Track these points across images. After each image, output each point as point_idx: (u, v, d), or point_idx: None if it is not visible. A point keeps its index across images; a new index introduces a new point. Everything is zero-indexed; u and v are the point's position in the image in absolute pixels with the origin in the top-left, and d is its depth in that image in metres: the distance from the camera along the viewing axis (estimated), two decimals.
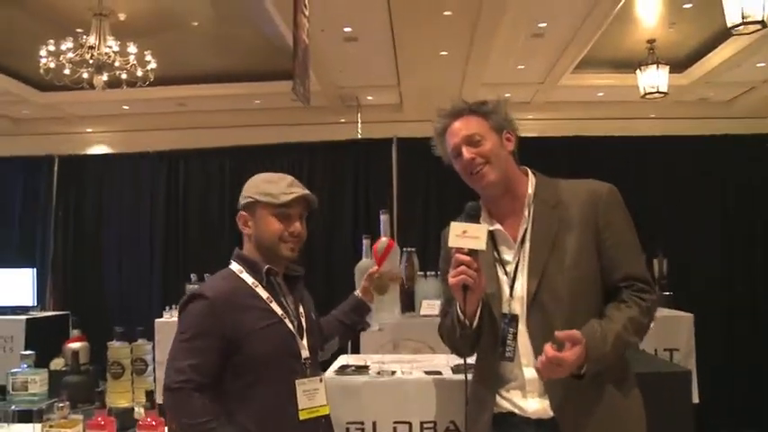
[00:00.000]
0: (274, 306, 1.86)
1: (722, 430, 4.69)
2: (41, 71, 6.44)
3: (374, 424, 2.19)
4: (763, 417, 2.95)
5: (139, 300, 5.70)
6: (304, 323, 1.93)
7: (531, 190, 1.84)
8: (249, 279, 1.87)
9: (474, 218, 1.76)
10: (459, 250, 1.71)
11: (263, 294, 1.86)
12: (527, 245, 1.79)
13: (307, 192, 1.93)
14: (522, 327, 1.77)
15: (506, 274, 1.81)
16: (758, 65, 7.70)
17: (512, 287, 1.79)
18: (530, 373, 1.76)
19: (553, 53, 7.52)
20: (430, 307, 4.04)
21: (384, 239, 2.03)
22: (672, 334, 4.07)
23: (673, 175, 5.31)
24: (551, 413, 1.74)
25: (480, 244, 1.71)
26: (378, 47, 7.09)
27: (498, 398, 1.82)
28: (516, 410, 1.79)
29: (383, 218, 2.10)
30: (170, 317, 4.54)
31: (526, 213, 1.82)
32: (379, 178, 5.47)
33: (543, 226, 1.79)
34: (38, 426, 2.26)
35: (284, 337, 1.85)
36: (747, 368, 4.85)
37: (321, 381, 1.90)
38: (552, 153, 5.00)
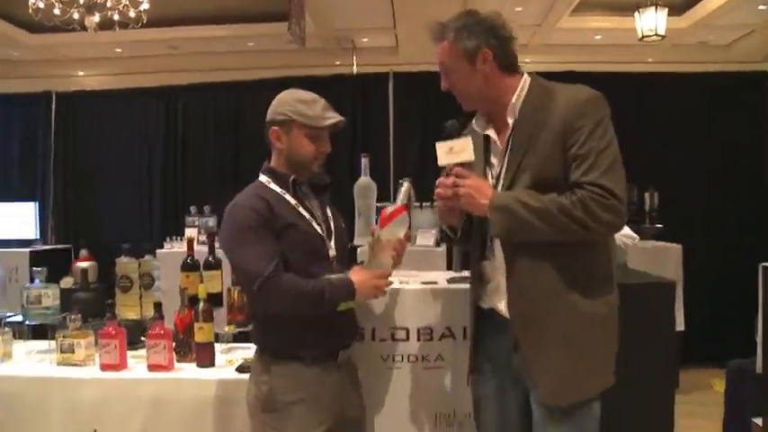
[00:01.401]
0: (302, 210, 1.98)
1: (707, 360, 4.87)
2: (30, 11, 6.34)
3: (373, 330, 2.30)
4: (748, 346, 3.08)
5: (140, 232, 5.77)
6: (333, 227, 2.05)
7: (515, 99, 1.84)
8: (277, 189, 1.99)
9: (455, 134, 1.84)
10: (452, 167, 1.80)
11: (292, 201, 1.98)
12: (509, 151, 1.85)
13: (342, 118, 2.02)
14: None
15: (493, 177, 1.89)
16: (760, 7, 7.58)
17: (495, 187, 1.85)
18: (501, 275, 1.85)
19: None
20: (425, 237, 4.16)
21: (396, 204, 2.02)
22: (661, 264, 4.21)
23: (667, 112, 5.35)
24: None
25: (468, 155, 1.81)
26: None
27: (483, 295, 1.94)
28: (495, 308, 1.91)
29: (405, 185, 2.07)
30: (171, 247, 4.62)
31: (510, 121, 1.85)
32: (377, 112, 5.51)
33: (522, 131, 1.81)
34: (53, 342, 2.37)
35: (312, 237, 1.97)
36: (733, 300, 4.99)
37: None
38: None
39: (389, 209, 2.00)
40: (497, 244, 1.84)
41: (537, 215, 1.69)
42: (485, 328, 1.96)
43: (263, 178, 2.04)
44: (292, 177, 2.00)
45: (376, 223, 2.60)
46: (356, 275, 1.97)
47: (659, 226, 4.63)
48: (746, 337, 3.13)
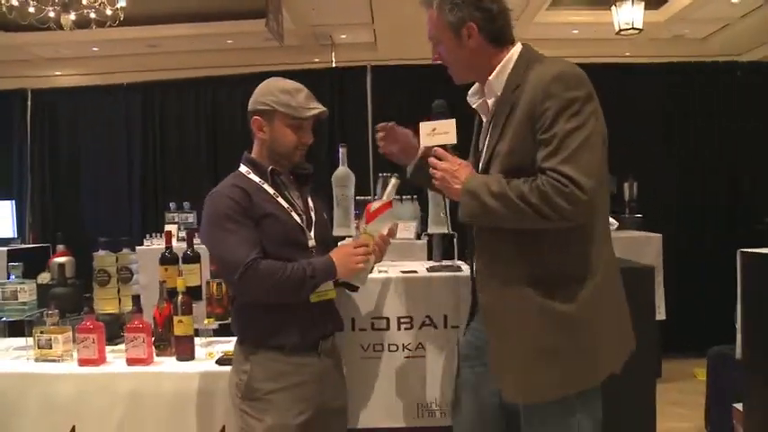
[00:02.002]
0: (280, 200, 1.97)
1: (689, 350, 4.89)
2: (4, 9, 6.25)
3: (353, 320, 2.29)
4: (729, 334, 3.12)
5: (119, 229, 5.71)
6: (314, 216, 2.04)
7: (492, 77, 1.77)
8: (256, 179, 1.98)
9: (442, 114, 1.82)
10: (434, 149, 1.77)
11: (270, 191, 1.97)
12: (489, 131, 1.80)
13: (324, 108, 2.00)
14: None
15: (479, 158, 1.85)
16: (733, 0, 7.72)
17: (478, 169, 1.83)
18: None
19: None
20: (406, 230, 4.15)
21: (384, 200, 1.95)
22: (641, 254, 4.22)
23: (644, 102, 5.40)
24: None
25: (451, 138, 1.79)
26: None
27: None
28: None
29: (393, 181, 1.95)
30: (150, 244, 4.58)
31: (490, 102, 1.80)
32: (355, 104, 5.52)
33: (500, 111, 1.75)
34: (30, 339, 2.33)
35: (291, 227, 1.96)
36: (715, 289, 5.03)
37: None
38: None
39: (376, 204, 1.96)
40: (476, 229, 1.82)
41: (499, 201, 1.63)
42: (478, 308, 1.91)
43: (242, 168, 2.03)
44: (270, 168, 1.99)
45: (356, 217, 2.60)
46: (335, 253, 1.95)
47: (639, 216, 4.67)
48: (728, 326, 3.15)
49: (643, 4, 7.39)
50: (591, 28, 8.53)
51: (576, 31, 8.90)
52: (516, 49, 1.78)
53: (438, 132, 1.79)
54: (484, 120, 1.86)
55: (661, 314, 4.26)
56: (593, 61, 6.27)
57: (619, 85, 5.34)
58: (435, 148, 1.78)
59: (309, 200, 2.08)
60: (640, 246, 4.33)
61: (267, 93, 1.98)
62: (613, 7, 7.41)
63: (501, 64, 1.77)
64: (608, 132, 1.70)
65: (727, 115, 5.39)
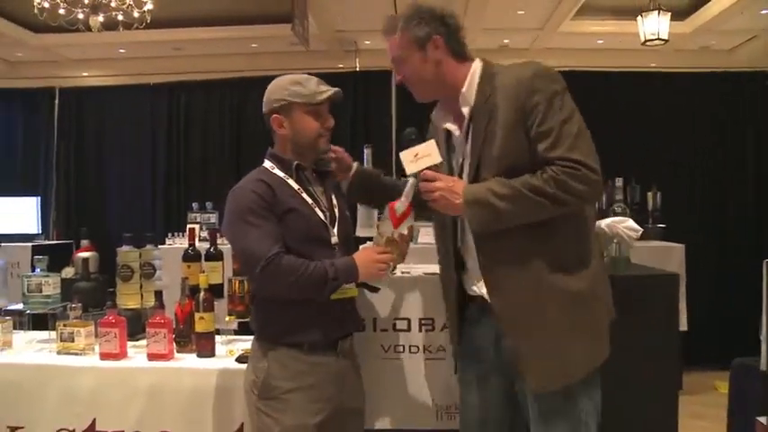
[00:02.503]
0: (305, 196, 1.98)
1: (711, 362, 4.82)
2: (35, 11, 6.36)
3: (374, 321, 2.29)
4: (752, 347, 3.07)
5: (142, 228, 5.78)
6: (337, 213, 2.05)
7: (465, 88, 1.82)
8: (280, 174, 2.00)
9: (415, 141, 1.84)
10: (422, 173, 1.79)
11: (294, 186, 1.98)
12: (469, 141, 1.82)
13: (337, 89, 2.03)
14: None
15: (456, 170, 1.88)
16: (762, 12, 7.62)
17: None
18: (473, 257, 1.84)
19: None
20: (428, 235, 4.14)
21: (404, 202, 1.92)
22: (664, 264, 4.17)
23: (668, 111, 5.36)
24: None
25: (435, 158, 1.81)
26: None
27: (465, 278, 1.91)
28: (476, 291, 1.87)
29: (411, 181, 1.90)
30: (173, 243, 4.62)
31: (465, 111, 1.83)
32: (379, 108, 5.55)
33: (477, 120, 1.79)
34: (53, 332, 2.36)
35: (315, 223, 1.97)
36: (737, 301, 4.97)
37: None
38: None
39: (399, 207, 1.94)
40: (467, 226, 1.83)
41: (510, 201, 1.68)
42: (468, 312, 1.93)
43: (267, 164, 2.04)
44: (296, 163, 2.00)
45: (379, 218, 2.59)
46: (358, 257, 1.95)
47: (662, 226, 4.62)
48: (751, 339, 3.10)
49: (669, 15, 7.33)
50: (616, 38, 8.45)
51: (601, 42, 8.83)
52: (478, 63, 1.86)
53: (421, 156, 1.81)
54: (456, 134, 1.87)
55: (682, 325, 4.20)
56: (619, 71, 6.27)
57: (644, 94, 5.31)
58: (424, 171, 1.79)
59: (333, 197, 2.08)
60: (663, 256, 4.28)
61: (279, 89, 2.01)
62: (639, 18, 7.34)
63: (469, 75, 1.83)
64: (632, 141, 1.74)
65: (754, 124, 5.33)
